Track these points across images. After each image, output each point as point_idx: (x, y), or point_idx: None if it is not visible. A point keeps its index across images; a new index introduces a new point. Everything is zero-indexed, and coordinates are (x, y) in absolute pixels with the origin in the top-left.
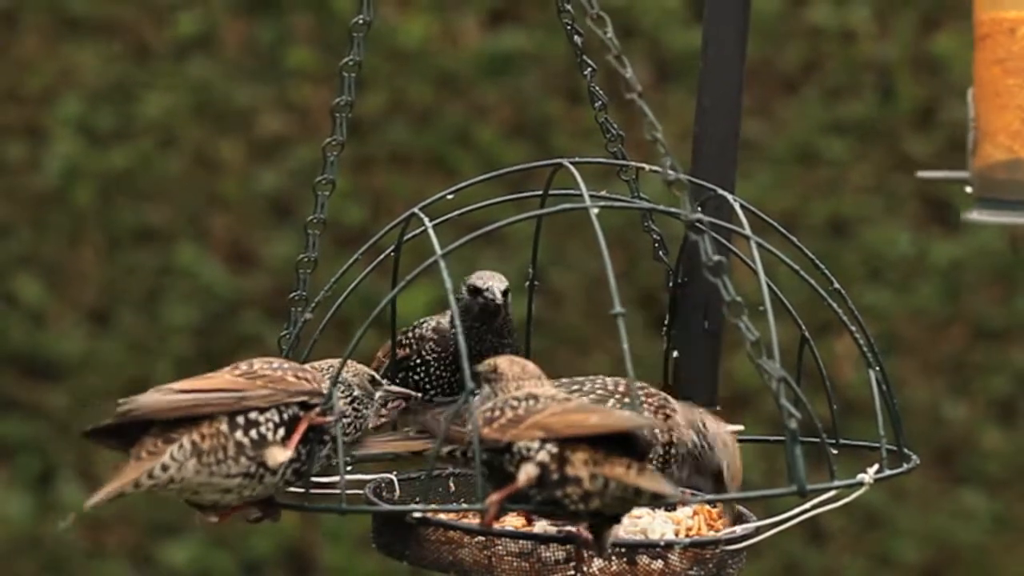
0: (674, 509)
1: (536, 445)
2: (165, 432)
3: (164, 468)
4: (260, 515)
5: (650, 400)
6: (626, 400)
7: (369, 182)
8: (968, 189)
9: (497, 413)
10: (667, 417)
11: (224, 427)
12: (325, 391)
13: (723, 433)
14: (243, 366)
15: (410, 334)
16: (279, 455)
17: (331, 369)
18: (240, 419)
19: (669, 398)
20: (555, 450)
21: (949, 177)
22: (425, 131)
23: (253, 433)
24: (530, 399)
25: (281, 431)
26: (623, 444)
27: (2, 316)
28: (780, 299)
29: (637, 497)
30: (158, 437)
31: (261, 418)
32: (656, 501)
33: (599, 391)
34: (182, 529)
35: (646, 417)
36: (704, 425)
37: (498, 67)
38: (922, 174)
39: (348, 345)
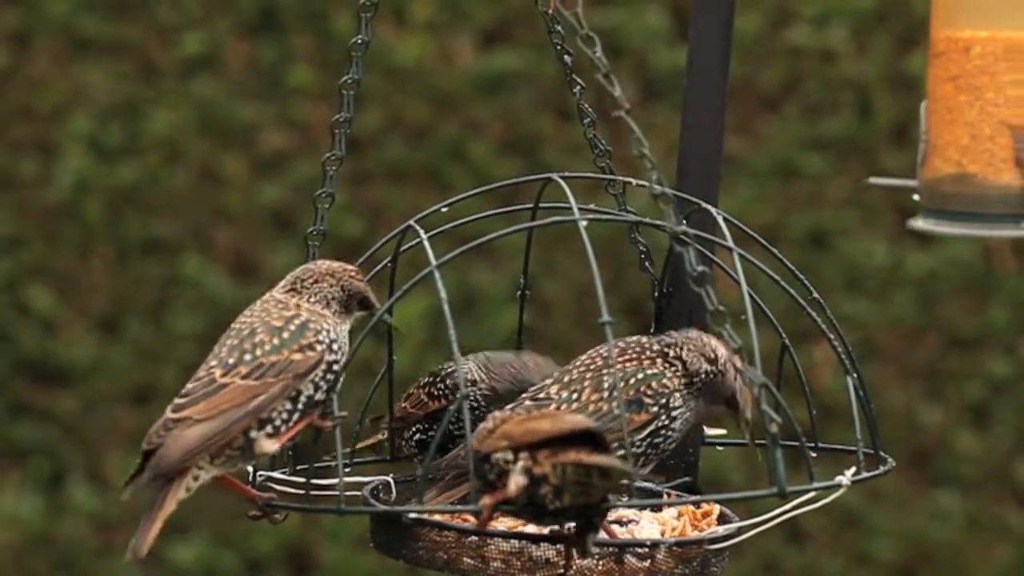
0: (660, 511)
1: (510, 456)
2: None
3: (195, 479)
4: (260, 515)
5: (646, 359)
6: (611, 400)
7: (367, 196)
8: (916, 197)
9: (480, 428)
10: (668, 358)
11: (240, 435)
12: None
13: (734, 359)
14: (247, 356)
15: (440, 384)
16: (266, 446)
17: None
18: (255, 423)
19: (671, 336)
20: (527, 456)
21: (897, 185)
22: (420, 147)
23: (268, 428)
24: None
25: (296, 415)
26: (588, 444)
27: (15, 324)
28: (761, 308)
29: (594, 478)
30: None
31: (274, 414)
32: (608, 480)
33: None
34: (189, 529)
35: (591, 420)
36: (715, 352)
37: (491, 85)
38: (872, 180)
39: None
